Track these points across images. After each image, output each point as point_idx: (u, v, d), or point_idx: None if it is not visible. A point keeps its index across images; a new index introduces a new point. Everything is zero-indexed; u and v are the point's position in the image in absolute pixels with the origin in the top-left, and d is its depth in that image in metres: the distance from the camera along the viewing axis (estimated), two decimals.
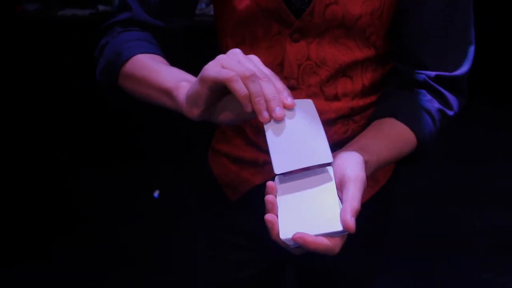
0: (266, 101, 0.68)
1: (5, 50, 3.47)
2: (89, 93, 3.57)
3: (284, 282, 1.29)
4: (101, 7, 3.26)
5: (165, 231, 2.63)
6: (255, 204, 1.05)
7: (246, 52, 0.92)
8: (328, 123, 0.96)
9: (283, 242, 0.65)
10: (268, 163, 0.99)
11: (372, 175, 1.05)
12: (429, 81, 0.88)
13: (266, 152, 0.99)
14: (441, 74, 0.88)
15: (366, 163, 0.72)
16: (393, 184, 1.12)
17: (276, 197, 0.69)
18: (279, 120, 0.69)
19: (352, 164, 0.68)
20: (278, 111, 0.68)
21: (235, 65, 0.68)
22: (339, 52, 0.89)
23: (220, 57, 0.69)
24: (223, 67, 0.68)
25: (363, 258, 1.16)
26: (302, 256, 1.15)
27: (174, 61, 0.88)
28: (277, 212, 0.67)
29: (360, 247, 1.15)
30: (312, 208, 0.66)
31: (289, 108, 0.69)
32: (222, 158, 1.07)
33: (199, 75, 0.70)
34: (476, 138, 3.45)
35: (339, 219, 0.64)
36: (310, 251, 0.64)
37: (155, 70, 0.81)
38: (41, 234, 2.62)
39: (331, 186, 0.68)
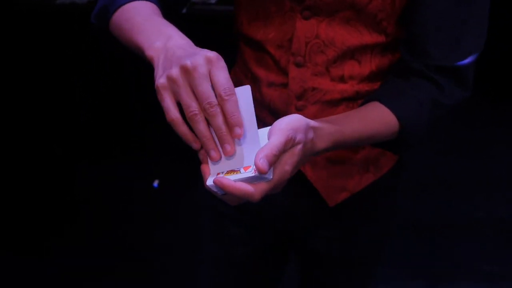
0: (217, 137, 0.69)
1: (1, 39, 3.45)
2: (88, 82, 3.56)
3: (285, 266, 1.29)
4: None
5: (165, 221, 2.63)
6: None
7: (258, 27, 0.95)
8: (332, 104, 0.97)
9: (210, 190, 0.70)
10: None
11: (375, 163, 1.06)
12: (425, 70, 0.88)
13: None
14: (442, 65, 0.87)
15: (319, 129, 0.75)
16: (396, 173, 1.12)
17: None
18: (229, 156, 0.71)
19: (283, 120, 0.71)
20: (227, 149, 0.69)
21: (181, 93, 0.67)
22: (349, 34, 0.89)
23: (170, 77, 0.68)
24: (172, 90, 0.68)
25: (366, 243, 1.18)
26: (301, 238, 1.16)
27: None
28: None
29: (363, 232, 1.15)
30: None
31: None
32: None
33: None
34: (478, 130, 3.43)
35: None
36: (235, 197, 0.69)
37: (137, 24, 0.81)
38: (40, 227, 2.61)
39: (257, 139, 0.71)
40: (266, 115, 1.01)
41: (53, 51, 3.43)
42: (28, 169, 3.04)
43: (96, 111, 3.50)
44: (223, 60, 0.69)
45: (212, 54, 0.68)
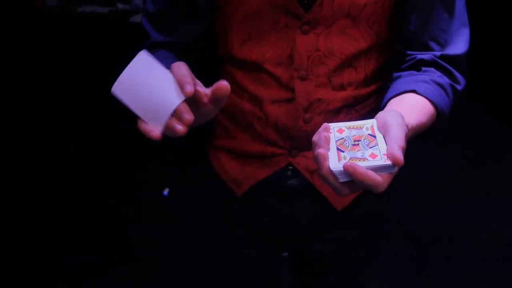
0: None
1: (24, 45, 3.51)
2: (103, 89, 3.60)
3: (279, 272, 1.29)
4: (120, 5, 3.28)
5: (173, 230, 2.61)
6: (261, 197, 1.09)
7: (252, 48, 0.96)
8: (334, 112, 0.99)
9: (331, 174, 0.69)
10: (276, 155, 1.04)
11: None
12: (437, 59, 0.92)
13: (274, 144, 1.03)
14: (445, 54, 0.92)
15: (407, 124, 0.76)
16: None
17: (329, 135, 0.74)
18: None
19: (392, 113, 0.74)
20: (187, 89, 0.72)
21: None
22: (346, 43, 0.93)
23: None
24: None
25: (375, 241, 1.21)
26: (307, 243, 1.16)
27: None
28: (328, 148, 0.72)
29: (375, 230, 1.19)
30: None
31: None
32: (224, 154, 1.10)
33: None
34: (488, 140, 3.37)
35: (386, 155, 0.68)
36: (357, 186, 0.68)
37: None
38: (48, 227, 2.63)
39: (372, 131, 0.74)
40: (271, 132, 1.03)
41: (72, 56, 3.48)
42: (40, 168, 3.06)
43: (109, 117, 3.52)
44: None
45: None
